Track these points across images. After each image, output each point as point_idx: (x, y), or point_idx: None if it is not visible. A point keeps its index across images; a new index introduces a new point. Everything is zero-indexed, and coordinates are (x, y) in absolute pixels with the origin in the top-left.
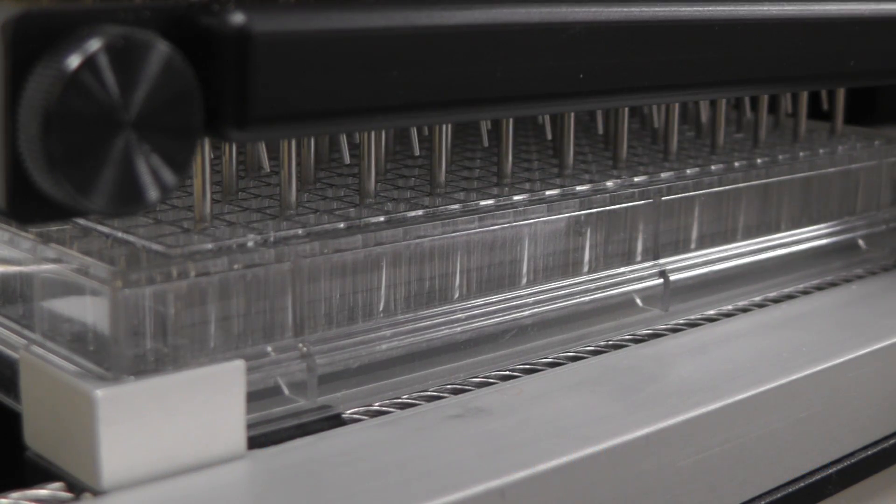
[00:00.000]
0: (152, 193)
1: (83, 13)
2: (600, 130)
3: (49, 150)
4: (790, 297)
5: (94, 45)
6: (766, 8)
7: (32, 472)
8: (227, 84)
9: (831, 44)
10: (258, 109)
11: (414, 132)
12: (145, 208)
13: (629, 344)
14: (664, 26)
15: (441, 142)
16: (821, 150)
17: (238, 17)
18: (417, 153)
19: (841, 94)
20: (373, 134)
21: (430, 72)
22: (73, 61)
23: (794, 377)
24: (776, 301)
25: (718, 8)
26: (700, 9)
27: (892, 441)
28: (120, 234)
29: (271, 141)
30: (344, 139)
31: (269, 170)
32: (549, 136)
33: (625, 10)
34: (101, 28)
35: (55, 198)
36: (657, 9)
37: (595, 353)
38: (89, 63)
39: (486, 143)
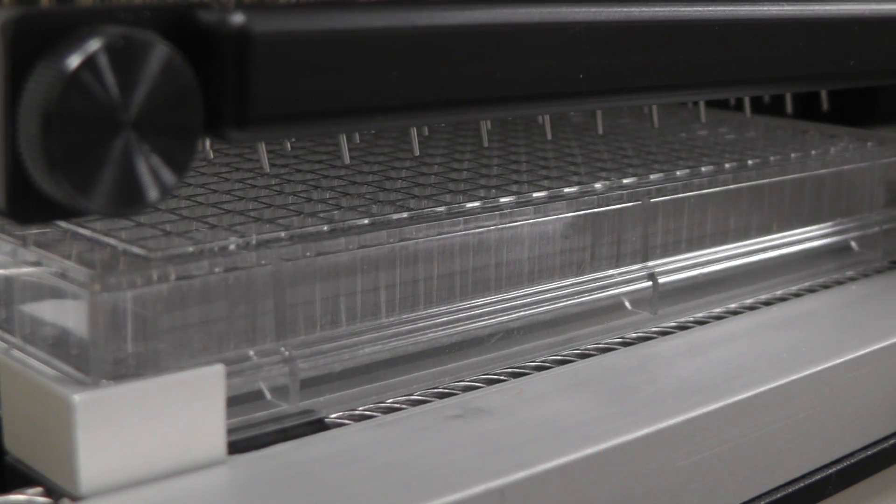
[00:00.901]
0: (152, 193)
1: (83, 13)
2: (600, 130)
3: (49, 150)
4: (782, 299)
5: (94, 45)
6: (766, 8)
7: (11, 477)
8: (227, 84)
9: (831, 44)
10: (258, 109)
11: (414, 132)
12: (145, 208)
13: (623, 347)
14: (664, 26)
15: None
16: (813, 152)
17: (238, 17)
18: (417, 153)
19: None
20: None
21: (430, 72)
22: (73, 61)
23: (793, 377)
24: (767, 304)
25: (718, 8)
26: (700, 9)
27: (891, 441)
28: (101, 238)
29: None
30: (344, 139)
31: (268, 170)
32: (549, 137)
33: (625, 10)
34: (101, 28)
35: (55, 198)
36: (657, 9)
37: (586, 356)
38: (89, 63)
39: (486, 143)
